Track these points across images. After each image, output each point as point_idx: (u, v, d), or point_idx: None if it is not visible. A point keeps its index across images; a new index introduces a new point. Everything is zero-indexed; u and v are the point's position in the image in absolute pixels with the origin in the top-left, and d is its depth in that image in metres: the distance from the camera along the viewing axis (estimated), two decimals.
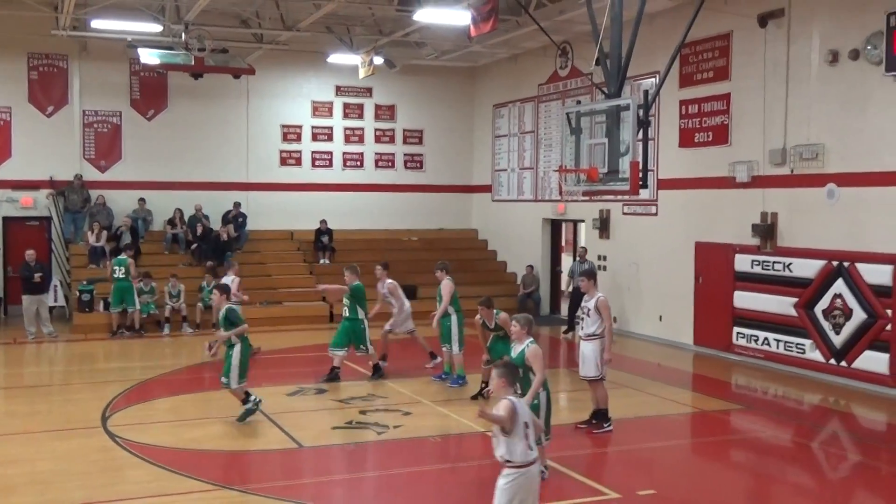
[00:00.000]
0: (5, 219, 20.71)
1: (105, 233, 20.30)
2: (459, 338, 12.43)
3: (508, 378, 6.00)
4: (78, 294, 19.11)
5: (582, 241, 20.53)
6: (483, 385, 11.82)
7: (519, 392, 6.14)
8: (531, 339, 8.40)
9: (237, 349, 10.67)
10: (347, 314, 13.47)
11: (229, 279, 15.08)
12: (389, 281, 14.29)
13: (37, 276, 17.69)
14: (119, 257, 18.11)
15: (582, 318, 11.26)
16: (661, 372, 14.64)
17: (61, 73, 21.05)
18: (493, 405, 5.96)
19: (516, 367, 6.62)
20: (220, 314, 10.93)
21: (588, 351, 10.63)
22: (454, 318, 12.78)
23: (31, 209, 20.84)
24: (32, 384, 14.06)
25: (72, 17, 17.67)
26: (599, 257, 18.40)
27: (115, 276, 17.80)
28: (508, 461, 5.83)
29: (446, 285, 12.80)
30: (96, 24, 17.77)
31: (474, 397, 11.98)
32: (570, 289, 17.99)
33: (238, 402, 10.85)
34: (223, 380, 10.77)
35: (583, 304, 11.26)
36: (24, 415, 11.56)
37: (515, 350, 8.45)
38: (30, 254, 18.06)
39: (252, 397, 10.87)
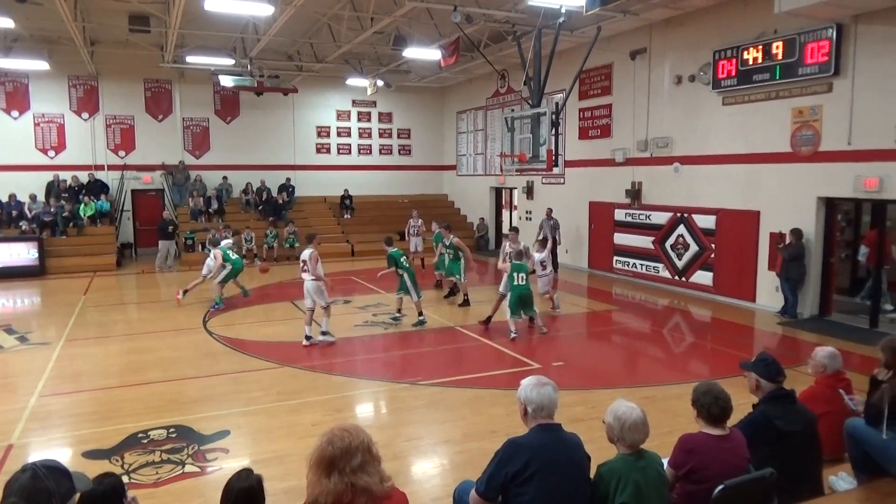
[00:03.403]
0: (133, 191, 20.24)
1: (201, 199, 19.92)
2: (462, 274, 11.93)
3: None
4: (184, 240, 18.89)
5: (515, 202, 20.49)
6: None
7: None
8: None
9: None
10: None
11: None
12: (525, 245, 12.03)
13: (170, 228, 17.84)
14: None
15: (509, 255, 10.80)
16: (567, 286, 14.79)
17: (167, 92, 20.41)
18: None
19: None
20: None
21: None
22: (462, 262, 11.95)
23: (150, 184, 20.37)
24: (157, 299, 13.88)
25: (173, 55, 17.11)
26: (527, 212, 18.39)
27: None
28: None
29: (457, 241, 12.03)
30: (190, 59, 17.23)
31: (446, 296, 12.09)
32: (540, 237, 14.74)
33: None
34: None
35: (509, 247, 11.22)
36: (152, 320, 11.47)
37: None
38: (166, 213, 18.31)
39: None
